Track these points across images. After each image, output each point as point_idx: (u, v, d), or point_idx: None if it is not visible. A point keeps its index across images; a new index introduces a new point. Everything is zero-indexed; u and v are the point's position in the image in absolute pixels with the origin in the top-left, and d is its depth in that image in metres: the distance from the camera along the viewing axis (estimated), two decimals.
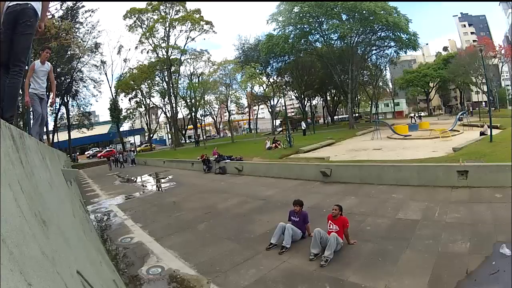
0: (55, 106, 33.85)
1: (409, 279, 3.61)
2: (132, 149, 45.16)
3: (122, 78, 40.05)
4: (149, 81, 40.40)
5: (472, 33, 61.15)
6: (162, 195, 11.83)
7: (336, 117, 55.43)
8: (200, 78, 38.60)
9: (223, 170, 14.57)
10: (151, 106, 45.86)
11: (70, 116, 37.38)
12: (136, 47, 38.68)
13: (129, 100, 42.70)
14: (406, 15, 30.02)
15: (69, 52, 29.00)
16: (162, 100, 42.67)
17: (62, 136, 36.25)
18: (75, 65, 33.53)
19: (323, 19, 30.71)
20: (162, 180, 15.83)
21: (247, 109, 56.88)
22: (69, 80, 33.74)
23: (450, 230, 4.79)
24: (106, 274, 3.04)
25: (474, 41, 54.07)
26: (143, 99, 43.82)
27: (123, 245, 6.03)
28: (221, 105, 43.95)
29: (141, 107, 44.93)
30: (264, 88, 43.95)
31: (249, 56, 39.32)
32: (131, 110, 43.65)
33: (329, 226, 4.79)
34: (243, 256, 4.84)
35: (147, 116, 47.28)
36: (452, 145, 12.31)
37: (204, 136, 43.56)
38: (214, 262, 4.73)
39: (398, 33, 30.32)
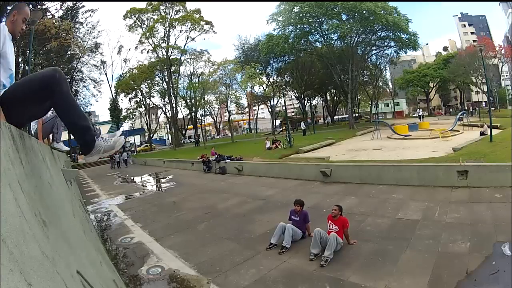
0: None
1: (409, 279, 3.61)
2: (132, 149, 45.16)
3: (122, 78, 40.05)
4: (149, 81, 40.41)
5: (472, 33, 61.13)
6: (162, 195, 11.83)
7: (336, 117, 55.43)
8: (200, 78, 38.60)
9: (223, 170, 14.57)
10: (151, 106, 45.86)
11: None
12: (136, 47, 38.75)
13: (129, 100, 42.73)
14: (406, 15, 30.10)
15: (69, 52, 28.99)
16: (162, 100, 42.73)
17: (62, 136, 36.17)
18: (75, 65, 33.54)
19: (323, 19, 30.72)
20: (162, 180, 15.84)
21: (247, 109, 56.89)
22: (69, 80, 33.74)
23: (450, 230, 4.79)
24: (106, 274, 3.04)
25: (474, 41, 54.06)
26: (143, 99, 43.84)
27: (123, 245, 6.03)
28: (221, 105, 44.02)
29: (141, 107, 44.94)
30: (264, 88, 43.97)
31: (249, 56, 39.34)
32: (131, 110, 43.67)
33: (329, 226, 4.79)
34: (243, 256, 4.84)
35: (147, 116, 47.29)
36: (452, 145, 12.31)
37: (205, 137, 43.57)
38: (214, 262, 4.73)
39: (398, 33, 30.35)
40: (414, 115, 43.57)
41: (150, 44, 37.91)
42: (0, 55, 1.83)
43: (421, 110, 40.97)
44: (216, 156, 16.04)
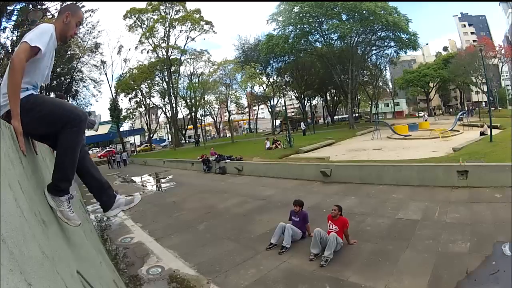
0: None
1: (409, 279, 3.61)
2: (133, 149, 45.15)
3: (122, 78, 40.02)
4: (149, 81, 40.39)
5: (472, 33, 61.16)
6: (162, 195, 11.83)
7: (336, 117, 55.40)
8: (200, 78, 38.61)
9: (223, 170, 14.57)
10: (151, 106, 45.86)
11: None
12: (136, 47, 38.70)
13: (129, 100, 42.72)
14: (406, 15, 30.08)
15: (69, 52, 28.97)
16: (162, 100, 42.72)
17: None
18: (75, 65, 33.51)
19: (323, 19, 30.71)
20: (162, 180, 15.83)
21: (247, 109, 56.89)
22: (69, 80, 33.74)
23: (450, 230, 4.79)
24: (106, 274, 3.03)
25: (474, 41, 54.06)
26: (143, 99, 43.85)
27: (123, 245, 6.03)
28: (221, 105, 43.97)
29: (141, 107, 44.94)
30: (264, 88, 43.96)
31: (249, 56, 39.32)
32: (131, 110, 43.63)
33: (329, 226, 4.79)
34: (243, 256, 4.84)
35: (147, 116, 47.30)
36: (452, 145, 12.30)
37: (205, 137, 43.58)
38: (214, 262, 4.74)
39: (398, 33, 30.33)
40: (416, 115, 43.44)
41: (150, 44, 37.91)
42: (36, 57, 1.62)
43: (425, 114, 41.10)
44: (216, 156, 16.05)
